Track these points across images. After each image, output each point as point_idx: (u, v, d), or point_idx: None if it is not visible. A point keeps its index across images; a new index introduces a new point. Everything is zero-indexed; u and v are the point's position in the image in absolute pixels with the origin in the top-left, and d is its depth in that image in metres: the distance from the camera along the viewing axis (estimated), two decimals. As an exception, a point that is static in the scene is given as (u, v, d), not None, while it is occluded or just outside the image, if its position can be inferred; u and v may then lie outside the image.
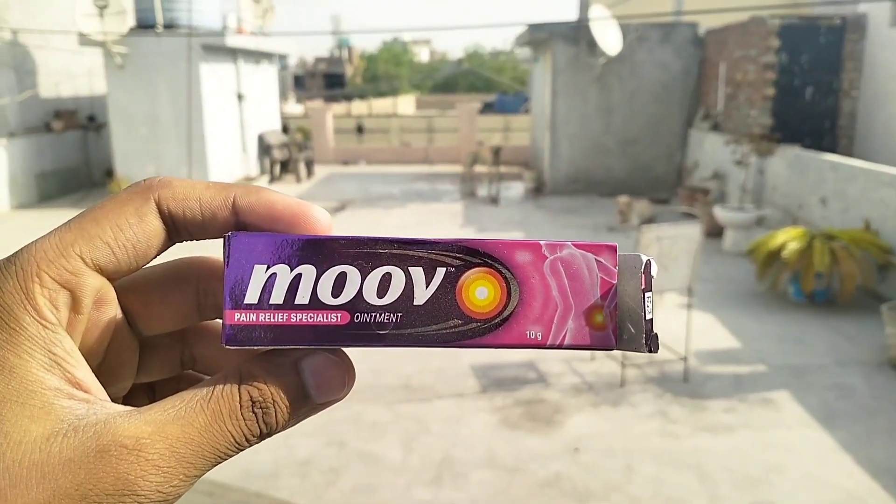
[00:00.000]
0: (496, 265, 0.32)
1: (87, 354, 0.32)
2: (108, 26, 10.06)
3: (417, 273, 0.31)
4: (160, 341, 0.37)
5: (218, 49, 11.11)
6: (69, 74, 12.43)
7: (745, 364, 4.65)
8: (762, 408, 4.02)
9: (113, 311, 0.33)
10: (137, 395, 0.38)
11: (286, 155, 13.31)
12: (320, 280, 0.31)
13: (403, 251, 0.31)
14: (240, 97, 12.08)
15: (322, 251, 0.31)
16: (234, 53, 11.79)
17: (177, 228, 0.32)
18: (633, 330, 0.32)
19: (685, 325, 4.41)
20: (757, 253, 5.95)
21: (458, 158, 14.87)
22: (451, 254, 0.32)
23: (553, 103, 11.24)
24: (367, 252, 0.31)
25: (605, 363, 4.51)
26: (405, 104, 27.47)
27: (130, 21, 10.47)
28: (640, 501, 3.16)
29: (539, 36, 11.30)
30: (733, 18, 9.73)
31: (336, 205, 10.76)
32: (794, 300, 5.78)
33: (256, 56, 12.72)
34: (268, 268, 0.31)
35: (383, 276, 0.31)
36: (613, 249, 0.33)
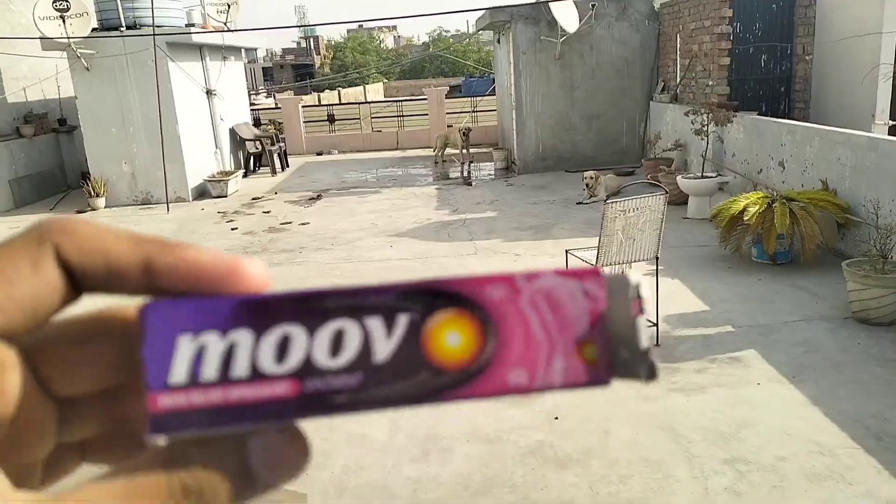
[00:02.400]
0: (466, 305, 0.28)
1: None
2: (71, 29, 9.99)
3: (375, 324, 0.27)
4: (83, 400, 0.31)
5: (184, 46, 11.06)
6: (36, 78, 12.32)
7: (714, 326, 4.76)
8: (732, 367, 4.12)
9: (14, 376, 0.27)
10: (63, 453, 0.32)
11: (259, 148, 13.32)
12: (260, 346, 0.27)
13: (356, 301, 0.27)
14: (209, 93, 12.05)
15: (259, 312, 0.27)
16: (200, 49, 11.75)
17: (78, 282, 0.28)
18: (628, 359, 0.29)
19: (654, 292, 4.51)
20: (720, 218, 6.06)
21: (429, 142, 14.93)
22: (411, 298, 0.28)
23: (517, 83, 11.34)
24: (312, 307, 0.27)
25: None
26: (374, 91, 27.39)
27: (93, 22, 10.39)
28: (619, 464, 3.24)
29: (500, 18, 11.38)
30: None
31: (311, 195, 10.82)
32: (758, 262, 5.92)
33: (223, 51, 12.68)
34: (194, 338, 0.26)
35: (335, 332, 0.27)
36: (598, 273, 0.29)
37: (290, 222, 9.04)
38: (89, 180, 10.82)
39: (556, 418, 3.66)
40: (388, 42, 51.30)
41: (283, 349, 0.27)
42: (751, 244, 5.95)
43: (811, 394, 3.76)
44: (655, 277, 4.60)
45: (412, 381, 0.27)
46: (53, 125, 12.60)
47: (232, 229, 8.90)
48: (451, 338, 0.28)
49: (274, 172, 13.17)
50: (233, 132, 13.05)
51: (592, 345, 0.29)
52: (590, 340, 0.29)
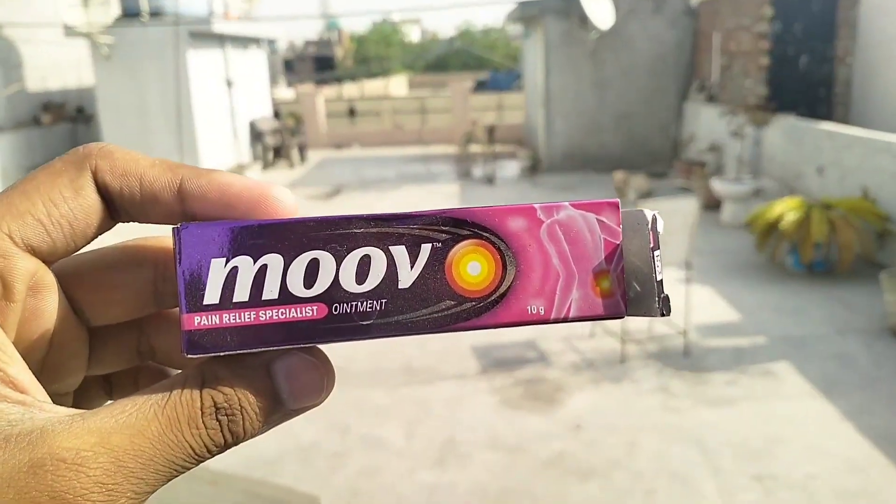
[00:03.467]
0: (487, 235, 0.29)
1: (25, 348, 0.28)
2: (93, 16, 9.96)
3: (400, 252, 0.28)
4: (114, 331, 0.33)
5: (205, 35, 11.00)
6: (56, 67, 12.32)
7: (746, 336, 4.64)
8: (763, 379, 4.02)
9: (52, 297, 0.29)
10: (91, 389, 0.34)
11: (278, 141, 13.24)
12: (289, 270, 0.28)
13: (381, 229, 0.28)
14: (229, 83, 11.99)
15: (288, 237, 0.28)
16: (221, 39, 11.69)
17: (115, 206, 0.29)
18: (643, 293, 0.30)
19: (684, 300, 4.40)
20: (755, 224, 5.93)
21: (452, 139, 14.80)
22: (435, 227, 0.29)
23: (546, 79, 11.16)
24: (340, 234, 0.28)
25: (604, 340, 4.50)
26: (397, 85, 27.29)
27: (115, 10, 10.36)
28: (644, 477, 3.16)
29: (530, 12, 11.21)
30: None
31: (330, 189, 10.73)
32: (794, 271, 5.77)
33: (244, 41, 12.61)
34: (227, 261, 0.27)
35: (361, 258, 0.28)
36: (616, 206, 0.30)
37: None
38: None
39: (579, 427, 3.58)
40: (414, 35, 51.01)
41: (311, 273, 0.28)
42: (787, 253, 5.79)
43: (844, 409, 3.66)
44: (686, 284, 4.46)
45: (435, 307, 0.28)
46: (71, 114, 12.58)
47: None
48: (472, 267, 0.29)
49: (292, 165, 13.10)
50: (252, 124, 12.98)
51: (609, 277, 0.29)
52: (606, 273, 0.29)
